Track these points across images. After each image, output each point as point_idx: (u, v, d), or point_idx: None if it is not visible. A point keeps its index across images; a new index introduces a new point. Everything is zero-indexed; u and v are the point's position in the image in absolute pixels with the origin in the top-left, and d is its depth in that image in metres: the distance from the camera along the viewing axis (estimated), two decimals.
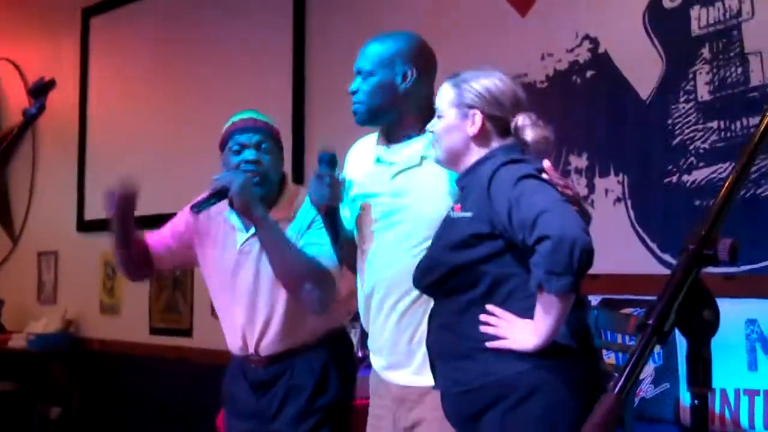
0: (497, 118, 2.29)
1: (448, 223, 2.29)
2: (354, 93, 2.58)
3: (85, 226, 6.35)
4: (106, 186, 6.12)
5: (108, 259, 6.11)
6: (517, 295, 2.17)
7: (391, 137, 2.61)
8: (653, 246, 3.47)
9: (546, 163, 2.22)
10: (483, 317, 2.17)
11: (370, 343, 2.64)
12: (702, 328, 1.23)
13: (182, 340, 5.51)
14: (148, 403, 5.64)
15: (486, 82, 2.30)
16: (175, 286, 5.59)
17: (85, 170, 6.39)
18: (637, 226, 3.52)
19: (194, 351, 5.38)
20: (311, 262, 2.70)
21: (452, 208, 2.29)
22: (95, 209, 6.24)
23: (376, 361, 2.61)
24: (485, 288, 2.19)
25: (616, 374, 3.35)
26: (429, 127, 2.40)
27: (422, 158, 2.52)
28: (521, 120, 2.28)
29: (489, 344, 2.15)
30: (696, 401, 1.23)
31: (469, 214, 2.20)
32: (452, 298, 2.24)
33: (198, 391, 5.22)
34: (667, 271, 3.38)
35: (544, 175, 2.17)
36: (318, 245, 2.74)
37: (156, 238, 3.06)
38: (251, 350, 2.87)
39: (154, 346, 5.71)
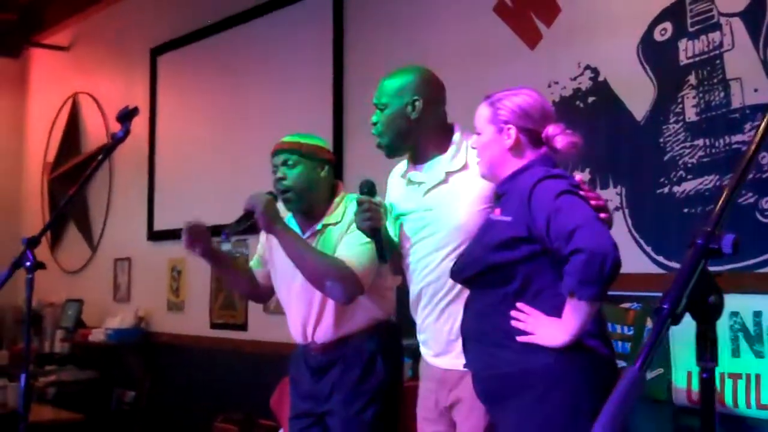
0: (529, 131, 2.27)
1: (488, 224, 2.27)
2: (374, 125, 2.62)
3: (154, 235, 6.39)
4: (172, 201, 6.19)
5: (174, 264, 6.14)
6: (546, 294, 2.16)
7: (417, 159, 2.63)
8: (648, 249, 3.45)
9: (578, 176, 2.21)
10: (513, 313, 2.15)
11: (419, 336, 2.65)
12: (709, 311, 1.23)
13: (238, 334, 5.51)
14: (208, 388, 5.65)
15: (517, 99, 2.29)
16: None
17: (154, 188, 6.44)
18: (633, 231, 3.49)
19: (248, 343, 5.39)
20: (331, 264, 2.70)
21: (493, 211, 2.27)
22: (163, 221, 6.29)
23: (425, 350, 2.64)
24: (518, 285, 2.17)
25: (620, 362, 3.32)
26: (471, 144, 2.39)
27: (446, 173, 2.52)
28: (551, 130, 2.26)
29: (519, 338, 2.13)
30: (704, 374, 1.23)
31: (508, 218, 2.17)
32: (488, 290, 2.22)
33: (252, 378, 5.23)
34: (661, 271, 3.37)
35: (580, 192, 2.14)
36: (348, 247, 2.75)
37: (260, 273, 3.10)
38: (309, 339, 2.88)
39: (213, 339, 5.73)
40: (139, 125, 6.26)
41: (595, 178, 3.61)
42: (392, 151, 2.64)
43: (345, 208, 2.85)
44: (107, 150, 2.61)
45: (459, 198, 2.50)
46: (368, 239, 2.60)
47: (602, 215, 2.11)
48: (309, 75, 5.14)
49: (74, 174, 7.12)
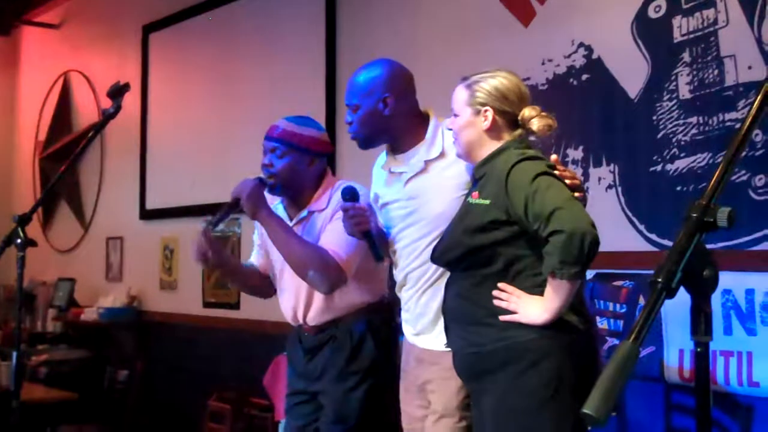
0: (506, 113, 2.29)
1: (466, 207, 2.30)
2: (350, 124, 2.65)
3: (146, 214, 6.37)
4: (164, 180, 6.15)
5: (166, 243, 6.13)
6: (526, 273, 2.20)
7: (395, 150, 2.66)
8: (641, 227, 3.45)
9: (554, 157, 2.23)
10: (495, 293, 2.20)
11: (403, 315, 2.71)
12: (703, 285, 1.23)
13: (231, 312, 5.51)
14: (200, 367, 5.66)
15: (494, 81, 2.30)
16: None
17: (146, 167, 6.41)
18: (626, 209, 3.49)
19: (241, 322, 5.38)
20: (314, 254, 2.70)
21: (470, 194, 2.29)
22: (155, 200, 6.27)
23: (407, 329, 2.70)
24: (500, 266, 2.22)
25: (609, 338, 3.33)
26: (447, 125, 2.42)
27: (425, 162, 2.55)
28: (527, 112, 2.28)
29: (501, 318, 2.19)
30: (699, 349, 1.22)
31: (486, 202, 2.21)
32: (469, 272, 2.27)
33: (245, 356, 5.24)
34: (653, 249, 3.38)
35: (556, 171, 2.16)
36: (332, 235, 2.76)
37: (259, 260, 3.08)
38: (301, 321, 2.89)
39: (206, 318, 5.72)
40: (131, 104, 6.23)
41: (589, 156, 3.60)
42: (366, 147, 2.69)
43: (331, 194, 2.84)
44: (98, 127, 2.59)
45: (439, 186, 2.54)
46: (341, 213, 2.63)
47: (577, 194, 2.14)
48: (303, 53, 5.11)
49: (66, 152, 7.09)
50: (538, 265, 2.14)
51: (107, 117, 2.51)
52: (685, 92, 3.33)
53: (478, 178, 2.31)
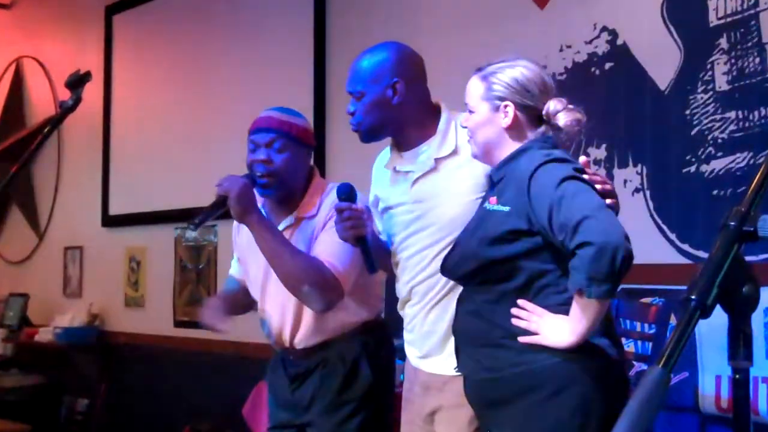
0: (528, 107, 2.28)
1: (483, 214, 2.28)
2: (352, 114, 2.63)
3: (109, 221, 6.37)
4: (130, 182, 6.13)
5: (132, 253, 6.13)
6: (550, 290, 2.19)
7: (402, 146, 2.65)
8: (672, 236, 3.45)
9: (583, 159, 2.22)
10: (514, 311, 2.18)
11: (406, 336, 2.69)
12: (742, 303, 1.23)
13: (206, 333, 5.45)
14: (173, 394, 5.65)
15: (513, 72, 2.29)
16: (199, 280, 5.60)
17: (109, 165, 6.40)
18: (655, 216, 3.50)
19: (218, 343, 5.35)
20: (309, 266, 2.69)
21: (488, 200, 2.27)
22: (120, 205, 6.27)
23: (411, 351, 2.67)
24: (519, 281, 2.20)
25: (636, 362, 3.34)
26: (462, 122, 2.41)
27: (435, 160, 2.54)
28: (552, 105, 2.27)
29: (521, 339, 2.17)
30: (737, 375, 1.23)
31: (506, 209, 2.19)
32: (485, 287, 2.25)
33: (222, 384, 5.23)
34: (686, 261, 3.38)
35: (584, 176, 2.15)
36: (327, 245, 2.74)
37: (242, 272, 3.09)
38: (287, 344, 2.88)
39: (178, 339, 5.72)
40: (93, 95, 6.23)
41: (613, 156, 3.61)
42: (369, 139, 2.67)
43: (322, 199, 2.83)
44: (55, 121, 2.58)
45: (452, 187, 2.52)
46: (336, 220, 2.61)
47: (609, 201, 2.13)
48: (287, 39, 5.12)
49: (18, 150, 7.07)
50: (564, 280, 2.13)
51: (65, 110, 2.50)
52: (722, 83, 3.34)
53: (497, 181, 2.30)
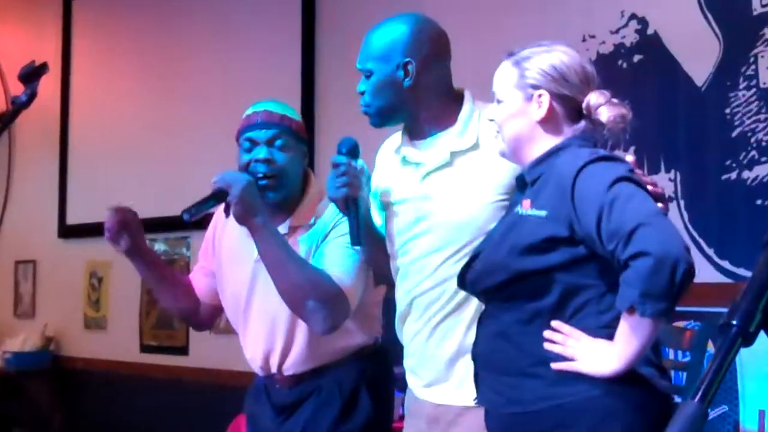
0: (566, 98, 2.23)
1: (514, 219, 2.24)
2: (361, 94, 2.60)
3: (67, 231, 6.38)
4: (91, 188, 6.14)
5: (93, 268, 6.12)
6: (589, 309, 2.14)
7: (414, 134, 2.61)
8: (709, 251, 3.47)
9: (630, 158, 2.20)
10: (547, 334, 2.14)
11: (406, 362, 2.64)
12: None
13: (177, 359, 5.51)
14: (137, 428, 5.63)
15: (550, 57, 2.24)
16: None
17: (67, 168, 6.42)
18: (691, 228, 3.51)
19: (190, 371, 5.38)
20: (316, 279, 2.67)
21: (520, 204, 2.25)
22: (79, 213, 6.26)
23: (413, 380, 2.63)
24: (555, 299, 2.14)
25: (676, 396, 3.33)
26: (488, 115, 2.37)
27: (452, 154, 2.52)
28: (594, 98, 2.23)
29: (554, 365, 2.12)
30: None
31: (542, 213, 2.14)
32: (513, 304, 2.19)
33: (194, 416, 5.22)
34: (726, 280, 3.39)
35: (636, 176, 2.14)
36: (333, 257, 2.72)
37: (199, 282, 3.06)
38: (274, 369, 2.86)
39: (144, 366, 5.72)
40: (49, 88, 6.23)
41: (643, 160, 3.62)
42: (380, 123, 2.63)
43: (320, 208, 2.83)
44: (6, 119, 2.59)
45: (467, 185, 2.48)
46: (350, 242, 2.59)
47: (660, 206, 2.11)
48: (272, 23, 5.14)
49: None
50: (607, 298, 2.10)
51: (18, 106, 2.50)
52: (766, 78, 3.35)
53: (531, 182, 2.26)
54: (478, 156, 2.50)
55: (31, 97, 2.49)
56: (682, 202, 3.54)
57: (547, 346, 2.13)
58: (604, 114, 2.20)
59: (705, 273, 3.45)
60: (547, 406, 2.13)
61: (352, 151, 2.56)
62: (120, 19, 6.14)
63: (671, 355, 3.44)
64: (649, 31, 3.65)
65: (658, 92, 3.62)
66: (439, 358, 2.51)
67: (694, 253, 3.46)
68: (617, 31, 3.74)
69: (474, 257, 2.30)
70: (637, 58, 3.69)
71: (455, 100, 2.58)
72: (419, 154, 2.57)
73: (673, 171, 3.56)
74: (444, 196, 2.50)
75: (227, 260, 2.92)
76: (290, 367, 2.83)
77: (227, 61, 5.37)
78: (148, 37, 5.91)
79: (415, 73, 2.53)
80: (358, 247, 2.62)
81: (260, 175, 2.76)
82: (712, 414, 3.29)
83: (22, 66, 2.57)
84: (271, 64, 5.09)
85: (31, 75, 2.52)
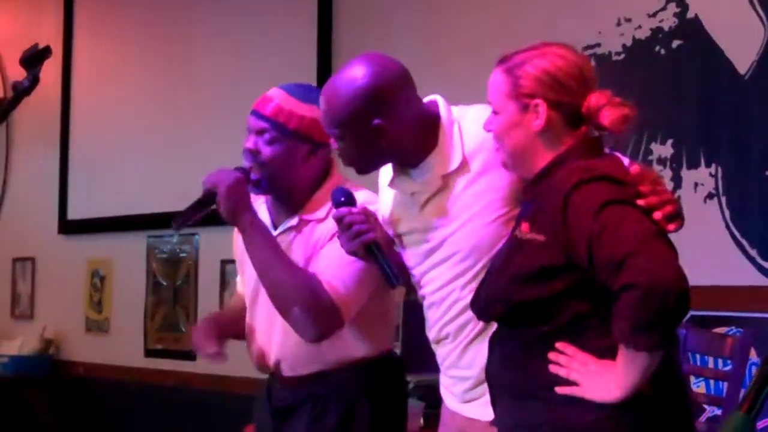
0: (564, 105, 2.24)
1: (513, 244, 2.26)
2: (338, 150, 2.63)
3: (67, 227, 6.40)
4: (92, 182, 6.11)
5: (95, 266, 6.13)
6: (594, 331, 2.15)
7: (403, 165, 2.63)
8: (752, 252, 3.46)
9: (635, 168, 2.18)
10: (552, 356, 2.16)
11: (441, 379, 2.69)
12: None
13: (183, 364, 5.51)
14: None
15: (543, 62, 2.24)
16: (176, 301, 5.60)
17: (68, 160, 6.43)
18: (733, 227, 3.50)
19: (197, 377, 5.38)
20: (304, 285, 2.68)
21: (519, 226, 2.26)
22: (80, 208, 6.28)
23: (449, 399, 2.68)
24: (559, 322, 2.17)
25: (708, 406, 3.33)
26: (486, 126, 2.38)
27: (443, 177, 2.53)
28: (594, 100, 2.23)
29: (559, 390, 2.14)
30: None
31: (540, 238, 2.16)
32: (519, 329, 2.23)
33: (201, 424, 5.23)
34: None
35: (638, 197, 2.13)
36: (330, 262, 2.73)
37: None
38: (270, 367, 2.88)
39: (150, 372, 5.73)
40: (50, 78, 6.24)
41: (681, 154, 3.60)
42: (368, 172, 2.67)
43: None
44: (7, 106, 2.58)
45: (468, 208, 2.50)
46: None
47: (671, 226, 2.11)
48: (287, 13, 5.14)
49: None
50: (610, 320, 2.09)
51: (20, 93, 2.50)
52: None
53: (529, 202, 2.29)
54: (470, 174, 2.52)
55: (34, 82, 2.49)
56: (723, 199, 3.51)
57: (551, 368, 2.15)
58: (606, 116, 2.19)
59: (747, 276, 3.44)
60: (554, 427, 2.15)
61: (349, 200, 2.57)
62: (124, 3, 6.15)
63: (711, 364, 3.43)
64: (689, 15, 3.63)
65: (699, 80, 3.60)
66: (470, 380, 2.57)
67: (736, 253, 3.45)
68: (655, 15, 3.71)
69: (484, 280, 2.33)
70: (676, 43, 3.66)
71: (431, 120, 2.58)
72: (412, 184, 2.59)
73: (714, 165, 3.54)
74: (448, 224, 2.53)
75: (245, 255, 2.93)
76: (288, 368, 2.84)
77: (239, 45, 5.37)
78: (154, 21, 5.93)
79: (387, 129, 2.53)
80: (396, 284, 2.61)
81: (248, 166, 2.78)
82: (761, 425, 3.27)
83: (21, 50, 2.57)
84: (286, 50, 5.08)
85: (34, 59, 2.51)
